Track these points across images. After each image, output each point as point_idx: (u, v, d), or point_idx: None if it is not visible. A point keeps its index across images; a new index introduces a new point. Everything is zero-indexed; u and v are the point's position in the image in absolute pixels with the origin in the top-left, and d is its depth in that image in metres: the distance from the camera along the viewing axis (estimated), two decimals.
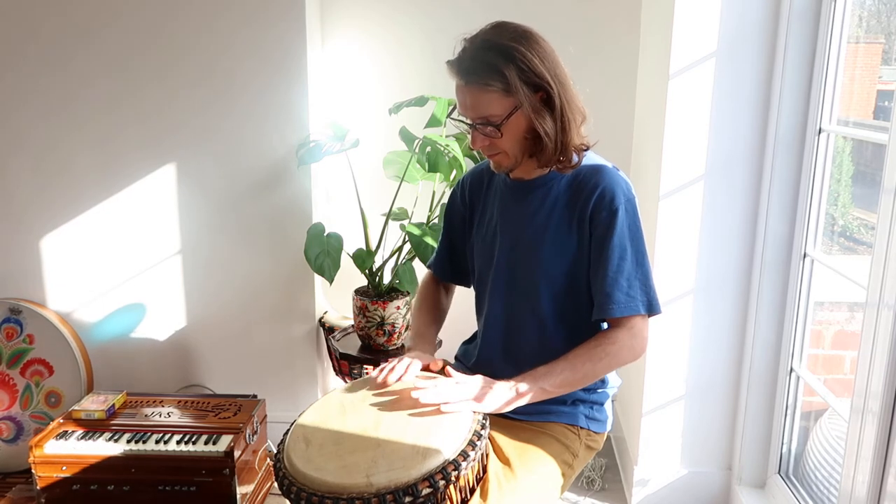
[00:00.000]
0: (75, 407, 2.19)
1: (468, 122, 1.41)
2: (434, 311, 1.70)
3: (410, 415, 1.32)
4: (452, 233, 1.68)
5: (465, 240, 1.65)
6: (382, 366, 1.46)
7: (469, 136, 1.44)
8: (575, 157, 1.42)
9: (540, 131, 1.36)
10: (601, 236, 1.39)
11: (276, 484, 1.43)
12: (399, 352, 2.49)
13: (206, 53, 2.48)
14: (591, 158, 1.47)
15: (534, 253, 1.46)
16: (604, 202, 1.39)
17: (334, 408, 1.40)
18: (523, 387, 1.35)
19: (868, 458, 1.51)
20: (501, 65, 1.32)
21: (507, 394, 1.34)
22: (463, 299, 1.78)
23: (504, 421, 1.49)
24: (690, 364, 2.25)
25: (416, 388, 1.34)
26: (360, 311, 2.47)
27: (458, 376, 1.38)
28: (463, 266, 1.68)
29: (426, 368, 1.48)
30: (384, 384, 1.42)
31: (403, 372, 1.43)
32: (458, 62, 1.36)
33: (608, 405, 1.58)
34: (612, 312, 1.38)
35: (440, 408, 1.30)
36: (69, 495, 2.07)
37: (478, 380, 1.37)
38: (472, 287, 1.67)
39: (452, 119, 1.48)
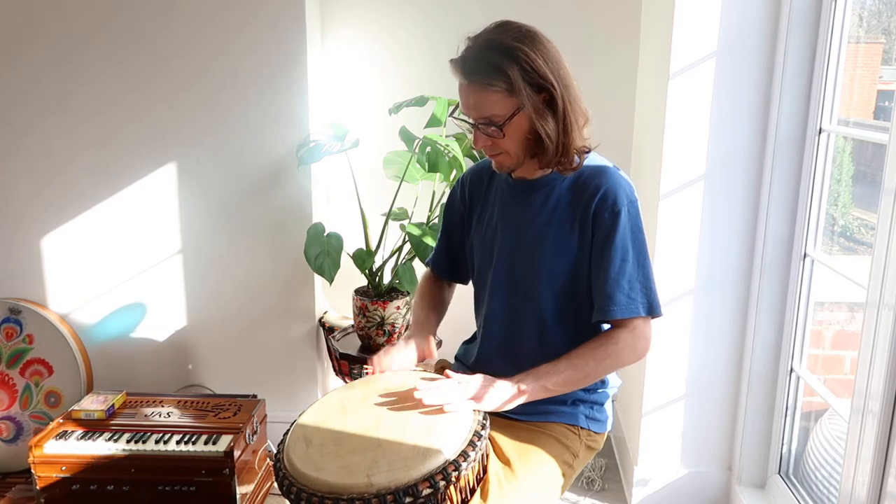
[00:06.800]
0: (75, 407, 2.19)
1: (470, 121, 1.41)
2: (434, 301, 1.70)
3: (411, 415, 1.32)
4: (451, 230, 1.68)
5: (463, 238, 1.65)
6: (377, 373, 1.47)
7: (471, 136, 1.44)
8: (576, 160, 1.42)
9: (542, 133, 1.36)
10: (603, 238, 1.39)
11: (276, 484, 1.43)
12: None
13: (205, 53, 2.48)
14: (593, 159, 1.47)
15: (535, 253, 1.45)
16: (606, 204, 1.39)
17: (334, 408, 1.40)
18: (525, 385, 1.35)
19: (868, 458, 1.51)
20: (505, 65, 1.31)
21: (509, 391, 1.34)
22: (463, 299, 1.78)
23: (504, 421, 1.49)
24: (690, 364, 2.25)
25: (417, 389, 1.34)
26: (360, 311, 2.47)
27: (458, 377, 1.38)
28: (462, 264, 1.68)
29: (420, 356, 1.49)
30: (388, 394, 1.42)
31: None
32: (461, 61, 1.35)
33: (608, 405, 1.58)
34: (612, 314, 1.38)
35: (443, 408, 1.31)
36: (69, 495, 2.07)
37: (479, 378, 1.37)
38: (470, 284, 1.67)
39: (454, 118, 1.47)
